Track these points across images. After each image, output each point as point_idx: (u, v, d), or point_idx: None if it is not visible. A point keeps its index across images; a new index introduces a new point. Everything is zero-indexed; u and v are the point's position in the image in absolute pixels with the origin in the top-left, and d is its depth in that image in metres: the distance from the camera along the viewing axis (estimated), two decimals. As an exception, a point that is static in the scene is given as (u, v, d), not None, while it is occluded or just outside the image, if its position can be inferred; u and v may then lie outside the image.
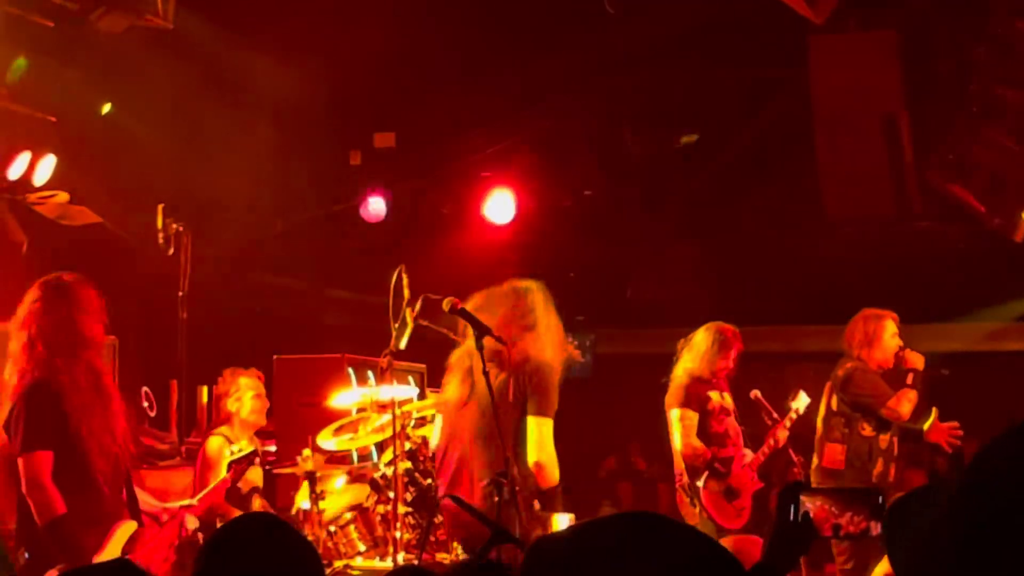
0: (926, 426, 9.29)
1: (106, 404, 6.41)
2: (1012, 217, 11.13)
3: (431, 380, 10.72)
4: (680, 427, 9.01)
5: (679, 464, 9.07)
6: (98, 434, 6.29)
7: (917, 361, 9.25)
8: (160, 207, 9.10)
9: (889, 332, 9.24)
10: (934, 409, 9.36)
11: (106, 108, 9.62)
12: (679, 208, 13.40)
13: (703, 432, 9.03)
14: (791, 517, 3.73)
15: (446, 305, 7.27)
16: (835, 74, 10.72)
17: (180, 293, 9.04)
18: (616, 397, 19.04)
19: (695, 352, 9.22)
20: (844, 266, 14.09)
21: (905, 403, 9.05)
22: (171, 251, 9.02)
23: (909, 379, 9.19)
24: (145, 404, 10.05)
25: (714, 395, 9.13)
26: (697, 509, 8.92)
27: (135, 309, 6.54)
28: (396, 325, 8.03)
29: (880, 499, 3.84)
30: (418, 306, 8.14)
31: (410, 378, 10.47)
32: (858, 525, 3.87)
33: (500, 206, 12.81)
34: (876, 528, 3.85)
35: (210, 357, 9.82)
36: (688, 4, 11.66)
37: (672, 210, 13.55)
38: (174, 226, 9.04)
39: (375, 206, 12.17)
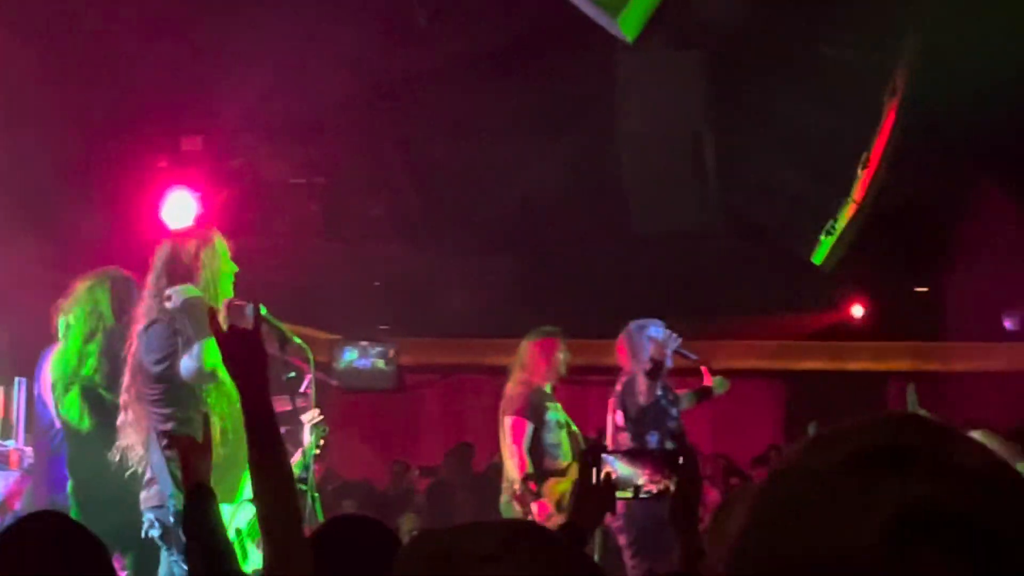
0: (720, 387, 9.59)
1: None
2: (811, 241, 11.42)
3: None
4: (511, 435, 9.00)
5: (512, 473, 9.04)
6: None
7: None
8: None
9: (649, 335, 9.21)
10: (703, 366, 9.61)
11: None
12: (489, 221, 13.42)
13: (536, 444, 9.03)
14: (594, 479, 3.75)
15: (248, 310, 7.15)
16: (642, 92, 10.84)
17: None
18: (420, 407, 19.03)
19: (523, 362, 9.28)
20: (649, 280, 14.27)
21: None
22: None
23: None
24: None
25: (552, 407, 9.16)
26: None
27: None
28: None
29: (679, 459, 3.96)
30: (222, 314, 8.00)
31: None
32: (658, 484, 3.98)
33: (309, 214, 12.67)
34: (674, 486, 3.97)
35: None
36: (496, 20, 11.66)
37: (481, 223, 13.58)
38: None
39: (180, 209, 11.86)
